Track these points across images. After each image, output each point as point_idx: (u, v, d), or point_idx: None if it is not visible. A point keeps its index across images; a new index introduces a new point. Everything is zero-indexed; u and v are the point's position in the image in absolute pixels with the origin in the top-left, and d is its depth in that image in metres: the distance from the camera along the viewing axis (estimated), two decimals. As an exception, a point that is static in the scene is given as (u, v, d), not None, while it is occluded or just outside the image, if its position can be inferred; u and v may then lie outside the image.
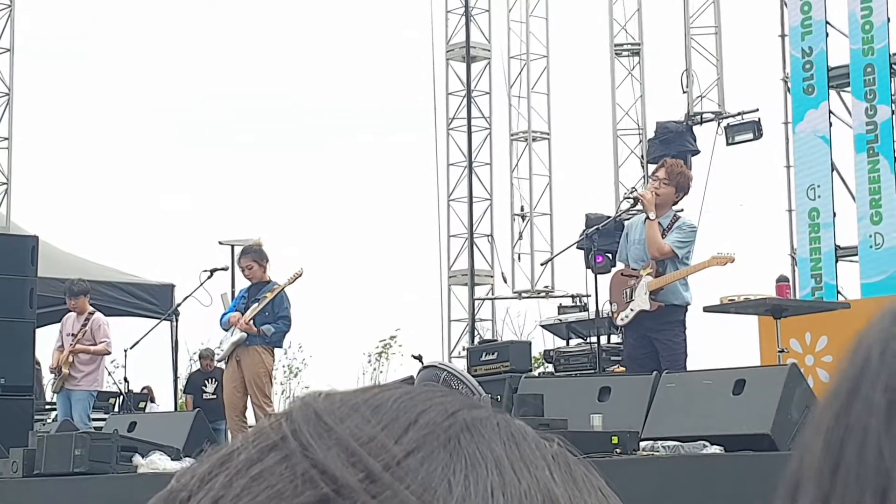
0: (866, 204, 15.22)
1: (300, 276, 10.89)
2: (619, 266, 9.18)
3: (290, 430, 0.62)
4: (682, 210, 8.99)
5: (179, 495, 0.63)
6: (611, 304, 8.91)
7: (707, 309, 8.86)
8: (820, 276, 15.51)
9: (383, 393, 0.65)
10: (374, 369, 27.54)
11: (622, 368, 11.90)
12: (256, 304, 10.70)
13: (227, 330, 10.81)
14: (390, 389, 0.66)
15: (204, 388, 17.17)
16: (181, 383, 16.14)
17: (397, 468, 0.60)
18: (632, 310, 8.57)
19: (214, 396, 15.80)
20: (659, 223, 8.68)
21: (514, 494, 0.60)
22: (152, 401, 18.68)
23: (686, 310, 8.65)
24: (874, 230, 15.10)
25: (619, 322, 8.79)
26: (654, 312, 8.49)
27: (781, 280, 14.07)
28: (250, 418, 10.85)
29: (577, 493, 0.63)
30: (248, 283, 11.25)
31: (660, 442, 6.20)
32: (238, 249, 13.36)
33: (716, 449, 6.10)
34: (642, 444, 6.25)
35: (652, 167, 9.18)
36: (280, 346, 11.42)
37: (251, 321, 10.59)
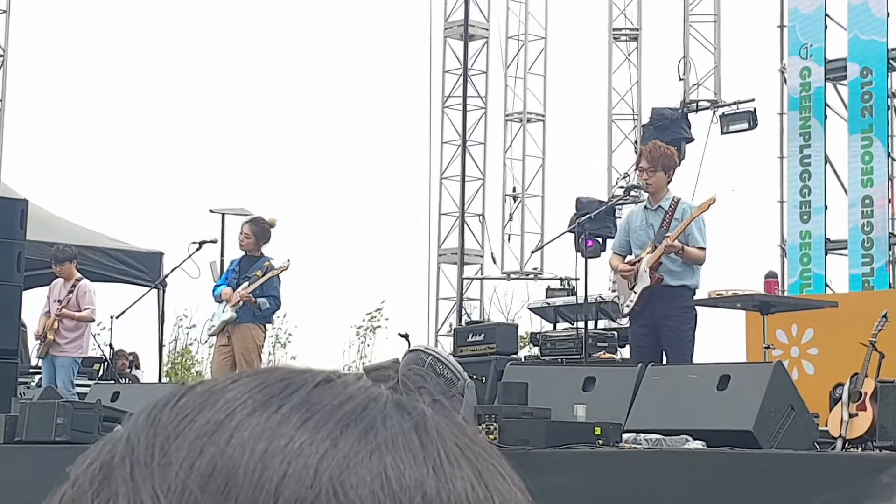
0: (858, 190, 15.20)
1: (286, 269, 10.88)
2: (610, 254, 9.16)
3: None
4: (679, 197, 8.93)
5: None
6: (619, 297, 8.86)
7: (695, 302, 8.86)
8: (808, 263, 15.49)
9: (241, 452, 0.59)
10: (362, 342, 27.58)
11: (608, 355, 11.92)
12: (247, 283, 10.68)
13: (219, 303, 10.81)
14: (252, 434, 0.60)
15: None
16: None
17: None
18: (635, 292, 8.55)
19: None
20: (660, 206, 8.70)
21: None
22: (138, 367, 18.67)
23: (694, 293, 8.64)
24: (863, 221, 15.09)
25: (625, 309, 8.74)
26: (663, 296, 8.44)
27: (770, 276, 14.07)
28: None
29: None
30: (237, 254, 11.25)
31: (642, 435, 6.20)
32: (228, 218, 13.33)
33: (698, 444, 6.11)
34: (625, 436, 6.25)
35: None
36: (270, 322, 11.44)
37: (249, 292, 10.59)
